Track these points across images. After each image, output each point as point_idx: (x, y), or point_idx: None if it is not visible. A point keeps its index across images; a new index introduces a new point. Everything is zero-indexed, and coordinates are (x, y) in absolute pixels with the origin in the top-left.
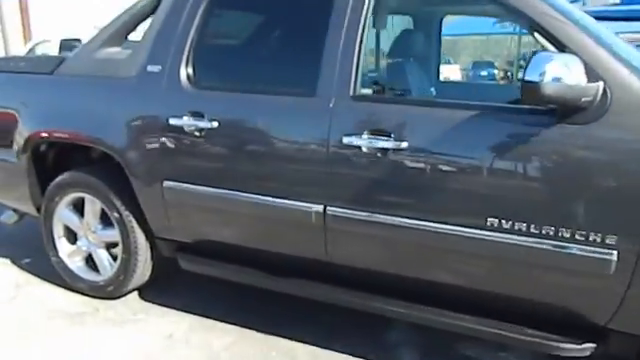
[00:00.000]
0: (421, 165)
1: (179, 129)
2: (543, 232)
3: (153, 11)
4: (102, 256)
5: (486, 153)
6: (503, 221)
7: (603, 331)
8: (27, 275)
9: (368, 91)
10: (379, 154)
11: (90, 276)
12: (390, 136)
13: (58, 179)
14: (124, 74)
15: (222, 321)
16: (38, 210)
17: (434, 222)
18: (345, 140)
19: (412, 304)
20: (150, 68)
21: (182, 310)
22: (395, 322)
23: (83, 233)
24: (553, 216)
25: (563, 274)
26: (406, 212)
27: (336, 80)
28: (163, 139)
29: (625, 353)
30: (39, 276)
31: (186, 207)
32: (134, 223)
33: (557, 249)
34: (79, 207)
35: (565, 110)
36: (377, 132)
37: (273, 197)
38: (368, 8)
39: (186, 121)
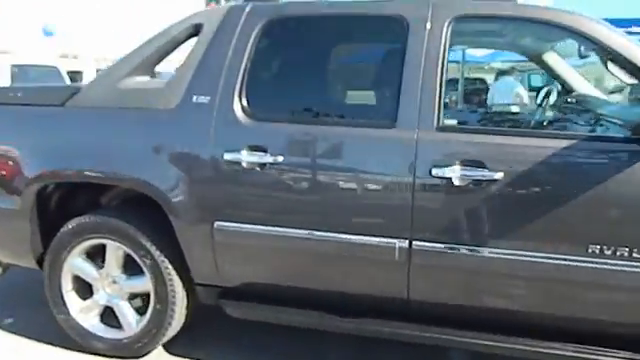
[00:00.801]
0: (517, 195)
1: (236, 164)
2: None
3: (188, 38)
4: (126, 310)
5: (594, 183)
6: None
7: None
8: (16, 339)
9: (453, 122)
10: (472, 185)
11: (110, 334)
12: (485, 167)
13: (73, 224)
14: (162, 105)
15: None
16: (39, 262)
17: (535, 252)
18: (434, 172)
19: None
20: (197, 99)
21: None
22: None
23: (101, 284)
24: None
25: None
26: (505, 242)
27: (419, 111)
28: (215, 176)
29: None
30: (32, 338)
31: (241, 249)
32: (171, 269)
33: None
34: (92, 255)
35: None
36: (469, 163)
37: (349, 234)
38: (446, 40)
39: (245, 156)
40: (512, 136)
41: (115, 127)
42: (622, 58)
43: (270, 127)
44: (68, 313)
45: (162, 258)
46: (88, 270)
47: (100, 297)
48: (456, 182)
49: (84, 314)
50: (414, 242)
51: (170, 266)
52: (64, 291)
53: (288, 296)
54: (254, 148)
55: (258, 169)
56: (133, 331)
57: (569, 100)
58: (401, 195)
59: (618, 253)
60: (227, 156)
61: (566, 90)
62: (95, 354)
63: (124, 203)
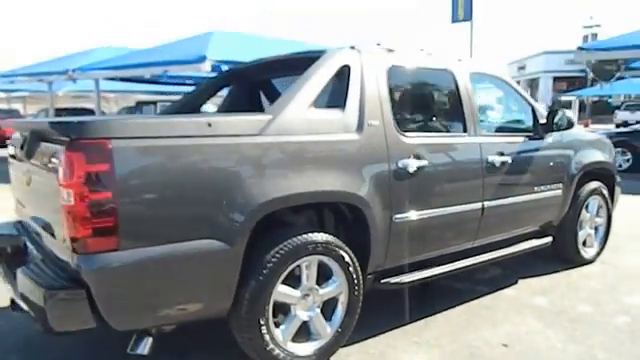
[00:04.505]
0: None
1: (403, 169)
2: None
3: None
4: (321, 318)
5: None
6: None
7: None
8: None
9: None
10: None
11: (310, 348)
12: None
13: (285, 250)
14: (344, 130)
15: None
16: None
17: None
18: (490, 159)
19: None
20: (371, 122)
21: None
22: None
23: (296, 302)
24: None
25: None
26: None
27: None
28: (394, 180)
29: None
30: None
31: (407, 233)
32: (358, 268)
33: None
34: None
35: None
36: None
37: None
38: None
39: (409, 162)
40: None
41: (321, 151)
42: None
43: (415, 138)
44: (274, 343)
45: (350, 260)
46: (291, 292)
47: (301, 314)
48: (496, 164)
49: (288, 337)
50: (485, 203)
51: (358, 266)
52: (270, 323)
53: (426, 262)
54: (415, 156)
55: (414, 171)
56: (328, 337)
57: None
58: (475, 174)
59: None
60: (400, 163)
61: None
62: None
63: (317, 219)
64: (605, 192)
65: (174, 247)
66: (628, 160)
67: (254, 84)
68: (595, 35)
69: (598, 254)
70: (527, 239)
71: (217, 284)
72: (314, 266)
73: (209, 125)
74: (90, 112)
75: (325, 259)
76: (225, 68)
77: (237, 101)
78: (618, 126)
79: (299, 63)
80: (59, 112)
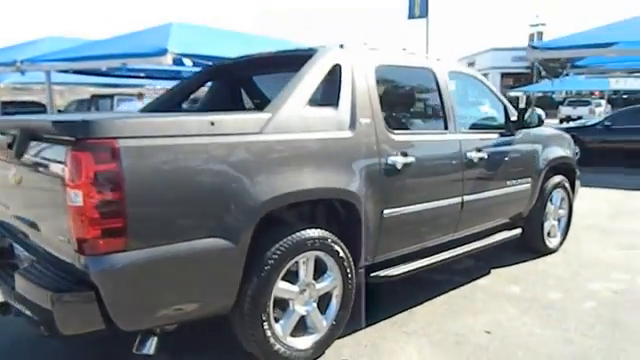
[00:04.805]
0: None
1: (392, 166)
2: None
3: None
4: (317, 312)
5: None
6: None
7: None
8: None
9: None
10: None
11: (308, 342)
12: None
13: (285, 246)
14: (338, 128)
15: None
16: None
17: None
18: (468, 155)
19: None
20: (363, 120)
21: None
22: None
23: (295, 297)
24: None
25: None
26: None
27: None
28: (384, 176)
29: None
30: None
31: (397, 226)
32: (351, 263)
33: None
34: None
35: None
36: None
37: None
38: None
39: (397, 159)
40: None
41: (318, 148)
42: None
43: (402, 137)
44: (275, 339)
45: (345, 255)
46: (289, 288)
47: (299, 309)
48: (475, 160)
49: (287, 332)
50: (464, 197)
51: (351, 260)
52: (272, 321)
53: (412, 254)
54: (402, 153)
55: (400, 168)
56: (324, 330)
57: None
58: (456, 169)
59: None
60: (389, 160)
61: None
62: None
63: (311, 216)
64: (567, 185)
65: (181, 246)
66: (577, 154)
67: (236, 80)
68: (541, 33)
69: (561, 243)
70: (498, 231)
71: (222, 282)
72: (312, 262)
73: (212, 124)
74: (41, 106)
75: (321, 254)
76: (188, 62)
77: (218, 97)
78: (562, 121)
79: (287, 61)
80: (5, 105)
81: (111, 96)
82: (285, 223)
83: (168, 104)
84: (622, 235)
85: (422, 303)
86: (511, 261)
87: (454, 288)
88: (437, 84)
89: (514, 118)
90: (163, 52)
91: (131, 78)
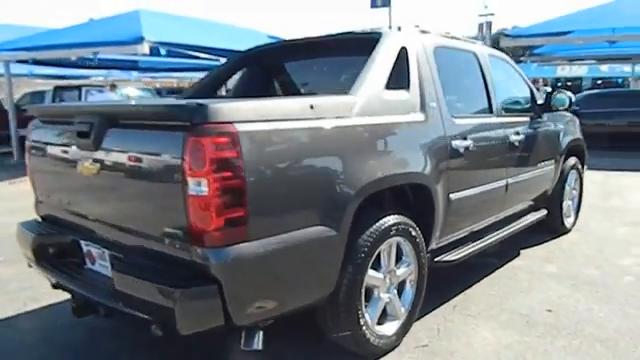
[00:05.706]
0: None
1: (456, 150)
2: None
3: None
4: (397, 298)
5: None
6: None
7: None
8: None
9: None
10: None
11: (392, 327)
12: None
13: (376, 232)
14: (413, 110)
15: None
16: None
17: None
18: (510, 138)
19: None
20: (431, 103)
21: None
22: None
23: (380, 284)
24: None
25: None
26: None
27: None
28: (449, 160)
29: None
30: None
31: (461, 209)
32: (424, 248)
33: None
34: None
35: None
36: None
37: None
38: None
39: (459, 142)
40: None
41: (401, 131)
42: None
43: (462, 121)
44: (367, 328)
45: (420, 240)
46: (376, 275)
47: (383, 296)
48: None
49: (375, 321)
50: (509, 180)
51: (424, 245)
52: (363, 307)
53: (464, 238)
54: (462, 137)
55: (463, 151)
56: (403, 316)
57: None
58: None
59: None
60: (453, 144)
61: None
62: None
63: (395, 201)
64: (580, 167)
65: (295, 235)
66: None
67: (275, 67)
68: (490, 23)
69: (574, 223)
70: (527, 213)
71: (325, 271)
72: (394, 248)
73: (311, 107)
74: None
75: (402, 240)
76: (162, 51)
77: (252, 85)
78: None
79: (343, 44)
80: None
81: (78, 87)
82: (374, 209)
83: (203, 92)
84: (621, 213)
85: (471, 286)
86: (534, 242)
87: (493, 271)
88: (481, 68)
89: (540, 101)
90: (139, 40)
91: (80, 68)
